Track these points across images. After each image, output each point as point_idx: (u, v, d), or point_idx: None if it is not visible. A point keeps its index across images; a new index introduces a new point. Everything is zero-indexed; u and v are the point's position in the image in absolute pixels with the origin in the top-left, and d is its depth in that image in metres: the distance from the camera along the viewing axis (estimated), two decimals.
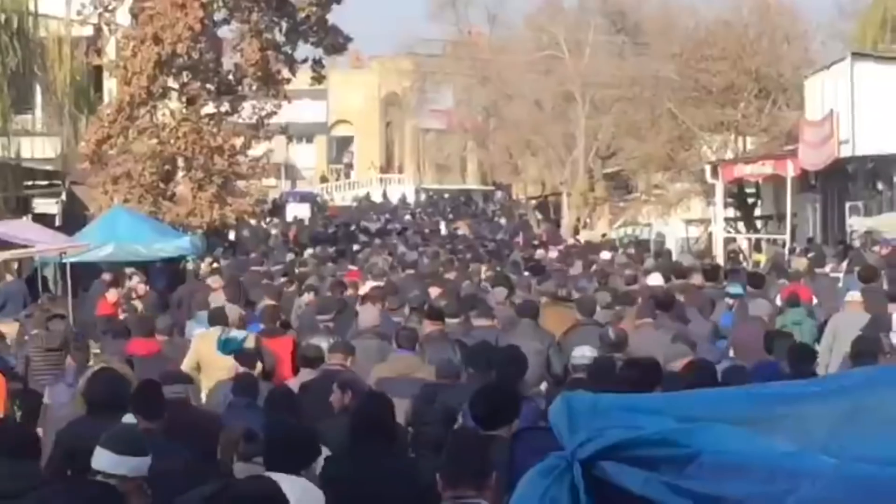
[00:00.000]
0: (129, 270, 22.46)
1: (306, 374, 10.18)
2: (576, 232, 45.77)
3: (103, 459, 5.43)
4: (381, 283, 18.93)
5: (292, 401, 8.05)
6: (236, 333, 12.04)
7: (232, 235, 40.56)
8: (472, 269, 23.10)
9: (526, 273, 21.99)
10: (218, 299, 16.05)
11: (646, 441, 2.54)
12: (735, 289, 15.91)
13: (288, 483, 5.05)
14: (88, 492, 4.85)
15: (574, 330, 12.36)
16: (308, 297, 17.28)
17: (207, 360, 11.50)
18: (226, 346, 11.52)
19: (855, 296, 13.74)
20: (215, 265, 26.55)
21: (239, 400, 9.02)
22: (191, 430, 7.78)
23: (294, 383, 10.01)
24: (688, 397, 2.95)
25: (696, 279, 18.19)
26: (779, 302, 15.02)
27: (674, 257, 28.76)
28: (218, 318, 12.62)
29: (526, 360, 9.08)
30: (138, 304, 18.07)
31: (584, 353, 9.87)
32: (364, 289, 17.61)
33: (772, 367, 9.77)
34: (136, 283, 20.66)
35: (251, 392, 9.10)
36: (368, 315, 12.84)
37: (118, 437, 5.65)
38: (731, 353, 12.16)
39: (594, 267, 24.17)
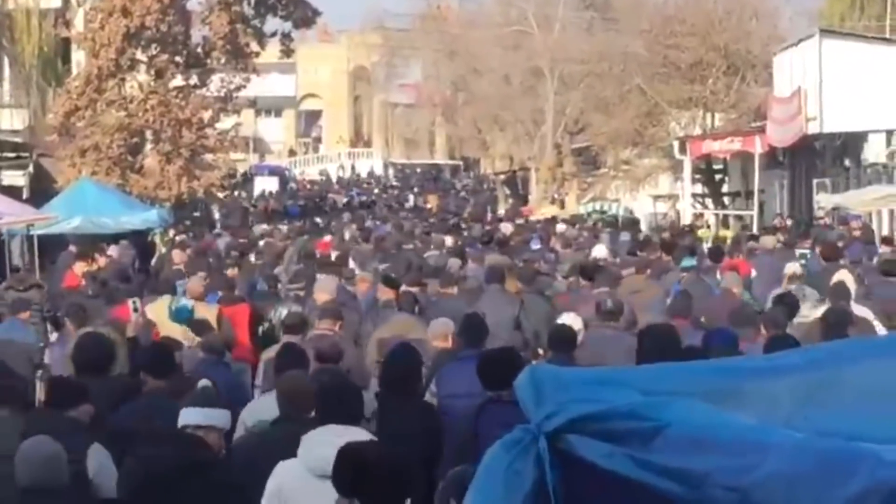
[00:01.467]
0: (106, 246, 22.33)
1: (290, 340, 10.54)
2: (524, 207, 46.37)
3: (192, 414, 6.23)
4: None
5: (305, 359, 8.44)
6: (185, 302, 12.45)
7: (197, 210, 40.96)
8: (435, 240, 23.28)
9: (480, 245, 22.43)
10: (181, 272, 16.71)
11: (612, 414, 2.53)
12: (688, 261, 16.23)
13: (354, 435, 5.46)
14: (189, 441, 6.07)
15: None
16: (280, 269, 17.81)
17: (160, 328, 11.77)
18: (177, 314, 11.97)
19: (793, 268, 14.04)
20: (177, 238, 26.83)
21: (209, 357, 9.81)
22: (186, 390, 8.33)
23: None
24: (654, 370, 2.94)
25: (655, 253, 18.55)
26: (718, 275, 15.35)
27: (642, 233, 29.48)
28: (166, 288, 13.52)
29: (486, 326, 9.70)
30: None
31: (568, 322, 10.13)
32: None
33: (725, 333, 9.69)
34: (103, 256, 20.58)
35: (219, 350, 10.00)
36: (326, 285, 13.32)
37: (202, 395, 6.58)
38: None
39: (553, 241, 24.43)
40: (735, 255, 18.06)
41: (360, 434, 5.80)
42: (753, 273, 16.11)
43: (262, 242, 24.75)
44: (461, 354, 9.08)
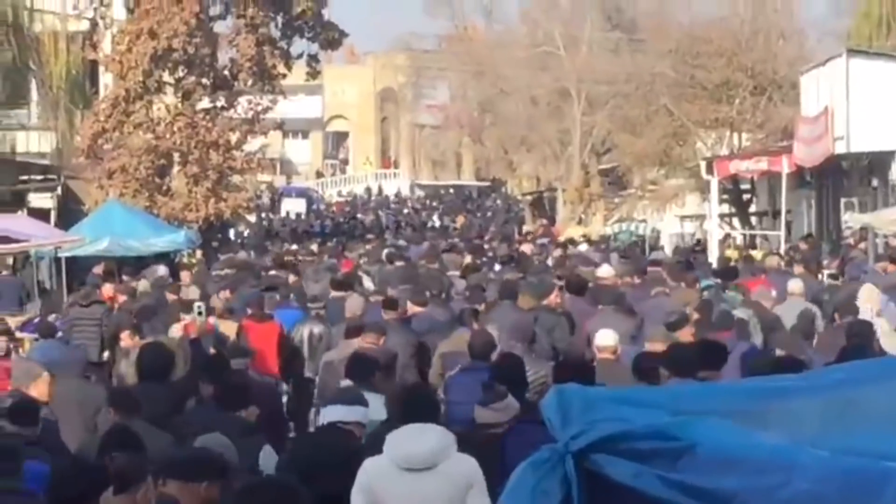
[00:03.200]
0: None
1: (346, 347, 11.31)
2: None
3: (338, 411, 7.15)
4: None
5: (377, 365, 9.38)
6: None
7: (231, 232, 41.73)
8: (449, 260, 23.24)
9: (500, 265, 22.97)
10: (191, 292, 16.57)
11: (638, 434, 2.57)
12: (707, 281, 16.68)
13: (433, 432, 6.28)
14: (336, 434, 6.93)
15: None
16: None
17: None
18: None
19: (796, 286, 14.61)
20: (184, 261, 27.00)
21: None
22: (253, 393, 8.93)
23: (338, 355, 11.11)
24: (680, 390, 3.01)
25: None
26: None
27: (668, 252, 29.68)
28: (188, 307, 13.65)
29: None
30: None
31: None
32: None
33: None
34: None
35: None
36: (354, 304, 13.68)
37: (347, 394, 7.67)
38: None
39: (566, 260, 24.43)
40: (746, 275, 18.22)
41: (436, 430, 6.39)
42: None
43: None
44: (469, 366, 9.66)
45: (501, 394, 7.48)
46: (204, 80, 37.26)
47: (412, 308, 13.66)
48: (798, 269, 19.04)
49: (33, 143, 35.94)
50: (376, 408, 8.01)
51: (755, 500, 2.45)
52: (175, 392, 9.37)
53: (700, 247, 32.38)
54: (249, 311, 13.97)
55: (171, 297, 16.15)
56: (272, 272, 21.38)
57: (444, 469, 6.16)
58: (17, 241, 23.26)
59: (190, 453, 6.25)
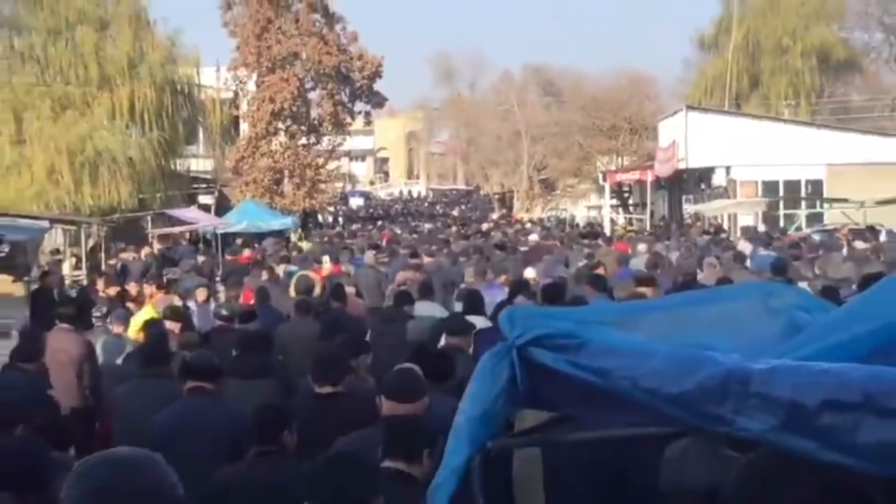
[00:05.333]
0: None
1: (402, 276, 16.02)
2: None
3: (425, 307, 9.37)
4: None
5: None
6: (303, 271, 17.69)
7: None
8: (449, 233, 35.16)
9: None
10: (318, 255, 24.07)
11: (556, 334, 3.00)
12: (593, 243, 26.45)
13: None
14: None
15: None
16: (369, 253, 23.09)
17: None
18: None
19: (642, 247, 21.44)
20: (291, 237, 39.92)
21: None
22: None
23: None
24: (584, 309, 3.89)
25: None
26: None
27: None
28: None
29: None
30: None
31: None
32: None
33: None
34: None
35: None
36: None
37: (427, 296, 10.24)
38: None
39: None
40: (617, 241, 28.22)
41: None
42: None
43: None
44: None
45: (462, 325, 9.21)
46: (302, 128, 53.15)
47: (426, 258, 19.86)
48: (652, 239, 26.98)
49: (201, 165, 51.44)
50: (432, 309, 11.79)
51: (625, 372, 2.78)
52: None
53: (598, 226, 47.56)
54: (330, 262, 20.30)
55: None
56: (349, 240, 33.19)
57: None
58: (191, 223, 36.50)
59: None
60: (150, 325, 11.36)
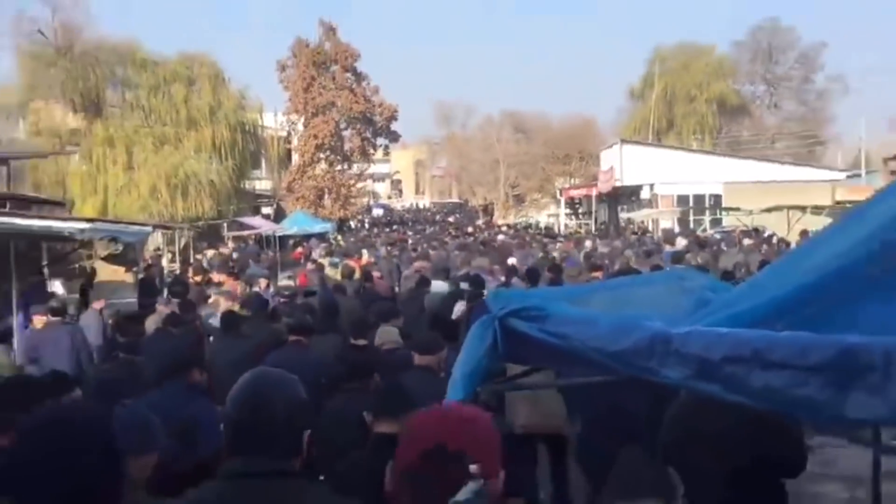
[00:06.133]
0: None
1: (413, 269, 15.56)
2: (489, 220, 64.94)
3: (440, 286, 9.43)
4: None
5: None
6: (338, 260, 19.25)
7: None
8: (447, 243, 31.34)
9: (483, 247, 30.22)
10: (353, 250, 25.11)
11: (527, 308, 2.95)
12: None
13: None
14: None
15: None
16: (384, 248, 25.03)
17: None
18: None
19: (589, 243, 22.95)
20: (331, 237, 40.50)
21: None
22: None
23: None
24: (551, 290, 3.95)
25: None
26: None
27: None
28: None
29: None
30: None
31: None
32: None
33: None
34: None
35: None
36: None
37: (440, 276, 10.47)
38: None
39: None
40: (567, 240, 29.40)
41: None
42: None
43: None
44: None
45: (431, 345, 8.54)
46: (338, 157, 54.50)
47: (431, 252, 20.61)
48: (594, 238, 28.66)
49: (263, 185, 52.12)
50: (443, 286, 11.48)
51: (579, 336, 2.73)
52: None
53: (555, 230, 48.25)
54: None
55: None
56: (373, 239, 34.96)
57: None
58: (256, 228, 36.93)
59: None
60: (228, 315, 11.30)
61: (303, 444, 2.42)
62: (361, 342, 7.20)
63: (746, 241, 22.00)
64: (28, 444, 2.31)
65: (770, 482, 3.89)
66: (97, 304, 12.02)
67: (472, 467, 1.91)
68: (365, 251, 22.12)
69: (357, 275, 14.76)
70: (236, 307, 10.04)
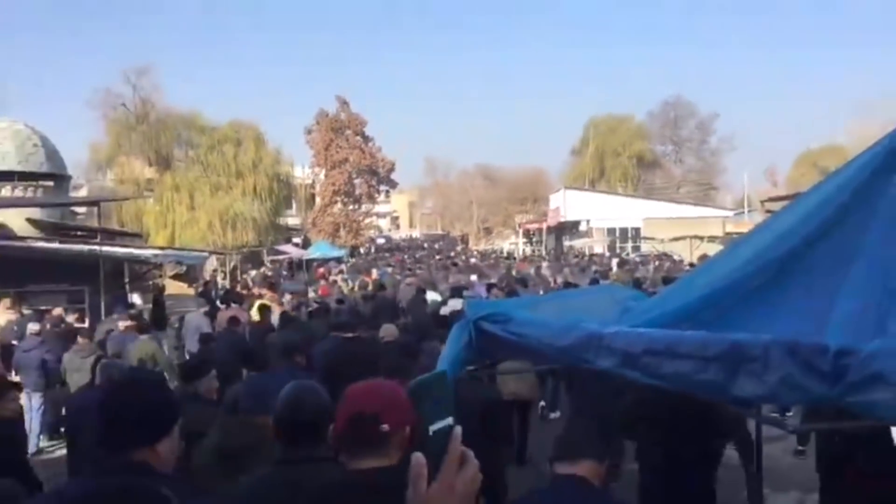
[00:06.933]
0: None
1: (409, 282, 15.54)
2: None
3: (456, 303, 8.76)
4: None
5: None
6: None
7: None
8: (432, 264, 30.29)
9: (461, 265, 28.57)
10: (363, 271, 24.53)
11: (497, 313, 2.89)
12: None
13: None
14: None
15: None
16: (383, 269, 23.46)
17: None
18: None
19: (566, 272, 20.83)
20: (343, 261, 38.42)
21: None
22: None
23: None
24: (512, 300, 3.94)
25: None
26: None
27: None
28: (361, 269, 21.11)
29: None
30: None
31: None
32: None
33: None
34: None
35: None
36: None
37: (458, 291, 10.08)
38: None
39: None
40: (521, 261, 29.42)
41: None
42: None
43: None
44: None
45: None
46: (351, 200, 53.40)
47: (418, 272, 19.97)
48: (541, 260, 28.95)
49: (293, 221, 50.03)
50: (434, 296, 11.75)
51: (534, 334, 2.66)
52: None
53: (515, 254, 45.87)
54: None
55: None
56: (378, 262, 33.65)
57: None
58: (288, 254, 36.54)
59: None
60: (263, 309, 11.18)
61: (328, 434, 2.38)
62: (350, 335, 7.12)
63: (658, 261, 22.21)
64: None
65: (704, 448, 3.85)
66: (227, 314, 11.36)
67: (383, 426, 1.92)
68: (374, 270, 22.29)
69: (370, 286, 15.22)
70: (278, 309, 10.03)
